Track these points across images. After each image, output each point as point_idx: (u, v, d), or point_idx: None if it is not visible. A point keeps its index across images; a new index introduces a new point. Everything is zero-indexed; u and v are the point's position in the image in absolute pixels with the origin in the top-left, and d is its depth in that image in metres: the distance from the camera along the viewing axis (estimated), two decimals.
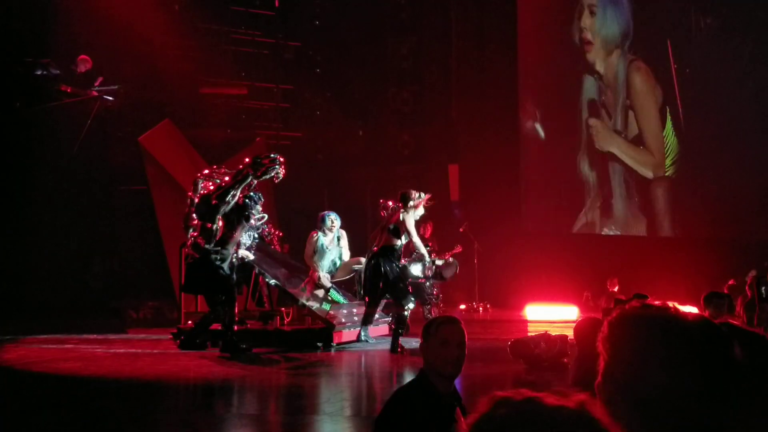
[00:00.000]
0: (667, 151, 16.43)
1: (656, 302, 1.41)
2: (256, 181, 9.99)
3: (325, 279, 10.81)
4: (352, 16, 17.82)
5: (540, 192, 17.52)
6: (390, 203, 10.49)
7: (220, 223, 9.70)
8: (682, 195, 16.31)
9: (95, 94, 13.91)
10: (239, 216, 9.85)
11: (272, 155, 10.20)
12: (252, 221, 10.17)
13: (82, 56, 13.74)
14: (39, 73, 13.51)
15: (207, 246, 9.56)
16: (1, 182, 12.98)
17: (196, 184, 10.34)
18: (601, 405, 1.33)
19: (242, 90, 15.69)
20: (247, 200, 9.99)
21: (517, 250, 16.53)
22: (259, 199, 10.29)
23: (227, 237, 9.71)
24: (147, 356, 9.53)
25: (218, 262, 9.54)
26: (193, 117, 15.58)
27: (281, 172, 10.05)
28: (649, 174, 16.64)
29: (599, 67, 17.04)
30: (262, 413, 6.84)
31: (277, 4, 17.09)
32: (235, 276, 9.86)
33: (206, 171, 10.82)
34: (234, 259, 9.83)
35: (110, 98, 14.10)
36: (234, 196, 9.70)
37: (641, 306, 1.40)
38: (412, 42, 18.98)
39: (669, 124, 16.34)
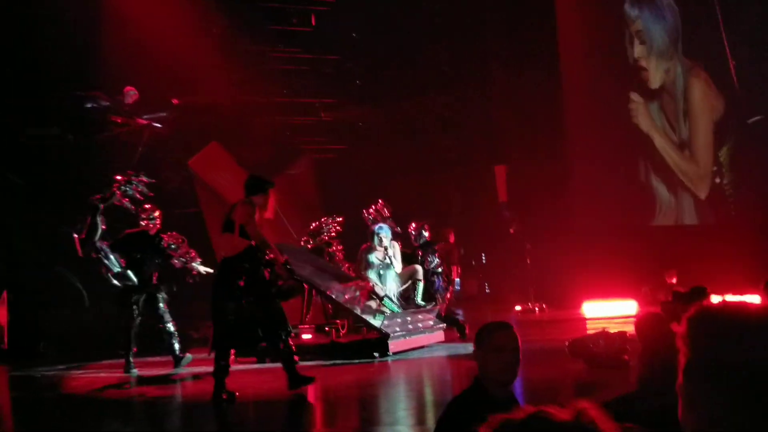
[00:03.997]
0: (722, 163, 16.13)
1: (729, 297, 1.50)
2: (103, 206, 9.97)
3: (379, 288, 10.90)
4: (388, 25, 17.90)
5: (592, 187, 17.29)
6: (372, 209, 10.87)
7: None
8: (736, 182, 16.02)
9: (144, 122, 14.26)
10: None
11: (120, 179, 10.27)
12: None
13: (129, 87, 14.08)
14: (89, 105, 13.91)
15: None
16: (56, 216, 13.33)
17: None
18: (601, 412, 1.37)
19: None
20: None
21: (571, 247, 16.35)
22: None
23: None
24: (209, 376, 9.68)
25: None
26: (239, 137, 15.82)
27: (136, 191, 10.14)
28: (691, 186, 16.43)
29: (658, 82, 16.77)
30: (324, 429, 6.91)
31: (313, 21, 17.26)
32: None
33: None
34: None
35: (159, 125, 14.43)
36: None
37: (720, 303, 1.46)
38: (450, 46, 18.98)
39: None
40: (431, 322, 11.41)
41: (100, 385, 9.50)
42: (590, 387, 7.37)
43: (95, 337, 12.48)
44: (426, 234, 12.10)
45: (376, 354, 10.05)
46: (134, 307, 10.10)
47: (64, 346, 12.56)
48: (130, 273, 9.96)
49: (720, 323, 1.39)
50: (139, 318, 10.19)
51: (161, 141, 14.63)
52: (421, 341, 10.91)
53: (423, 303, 11.38)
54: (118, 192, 10.01)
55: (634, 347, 7.28)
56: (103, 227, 9.86)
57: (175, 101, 15.16)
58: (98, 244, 9.75)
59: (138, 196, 10.16)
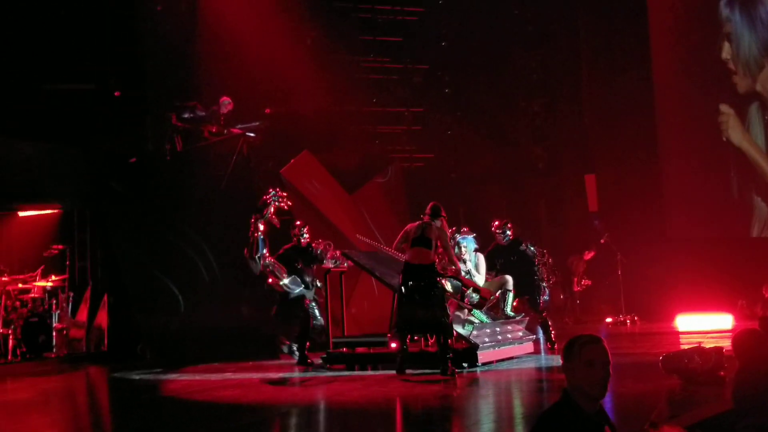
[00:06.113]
0: None
1: None
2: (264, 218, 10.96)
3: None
4: (479, 33, 17.88)
5: (685, 196, 16.83)
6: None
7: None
8: None
9: (238, 131, 14.69)
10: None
11: (270, 192, 11.21)
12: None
13: (224, 98, 14.54)
14: (187, 116, 14.44)
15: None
16: (157, 222, 13.86)
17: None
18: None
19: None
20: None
21: (663, 258, 15.97)
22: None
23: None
24: (300, 382, 9.90)
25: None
26: (330, 146, 16.10)
27: (282, 203, 11.12)
28: None
29: (747, 88, 16.15)
30: None
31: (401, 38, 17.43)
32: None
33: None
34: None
35: (252, 134, 14.83)
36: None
37: None
38: (540, 54, 18.82)
39: None
40: (520, 333, 11.33)
41: (197, 387, 9.80)
42: (684, 404, 7.18)
43: (190, 342, 12.88)
44: (509, 232, 11.98)
45: (464, 364, 10.03)
46: (309, 309, 11.12)
47: (161, 349, 13.02)
48: (298, 279, 11.02)
49: None
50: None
51: (254, 150, 15.03)
52: (510, 352, 10.84)
53: (512, 314, 11.30)
54: (273, 206, 11.04)
55: (731, 364, 7.08)
56: (263, 238, 10.94)
57: (267, 111, 15.56)
58: (267, 259, 10.92)
59: (285, 207, 11.25)
